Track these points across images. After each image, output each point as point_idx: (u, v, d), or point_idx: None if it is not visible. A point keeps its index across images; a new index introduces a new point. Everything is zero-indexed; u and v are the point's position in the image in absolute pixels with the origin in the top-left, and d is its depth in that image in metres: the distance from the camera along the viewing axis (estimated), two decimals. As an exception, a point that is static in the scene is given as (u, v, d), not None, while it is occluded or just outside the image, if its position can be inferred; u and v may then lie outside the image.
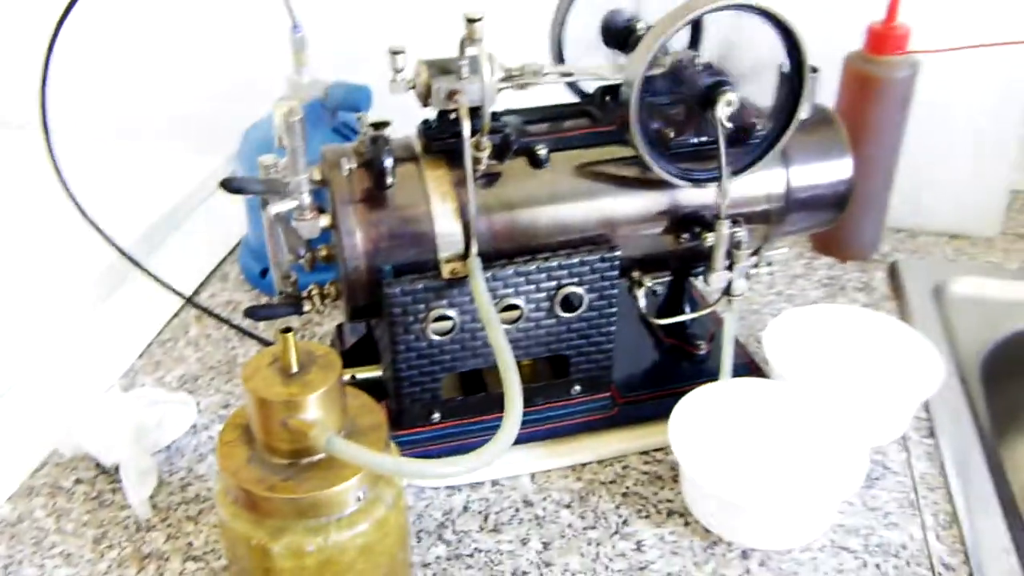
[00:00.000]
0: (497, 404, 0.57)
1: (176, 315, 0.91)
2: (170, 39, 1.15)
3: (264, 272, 0.95)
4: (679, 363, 0.80)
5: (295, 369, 0.53)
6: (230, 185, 0.63)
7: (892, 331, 0.79)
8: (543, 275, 0.67)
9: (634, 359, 0.79)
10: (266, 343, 0.85)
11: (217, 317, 0.88)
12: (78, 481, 0.73)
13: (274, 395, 0.51)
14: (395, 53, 0.64)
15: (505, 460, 0.71)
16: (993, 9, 0.93)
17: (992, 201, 1.02)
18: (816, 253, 1.00)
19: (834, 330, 0.80)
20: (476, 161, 0.64)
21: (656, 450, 0.74)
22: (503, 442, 0.52)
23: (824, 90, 0.89)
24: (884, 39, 0.88)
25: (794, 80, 0.66)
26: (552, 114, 0.73)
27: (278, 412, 0.51)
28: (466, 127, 0.62)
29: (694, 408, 0.70)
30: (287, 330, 0.52)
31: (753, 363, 0.80)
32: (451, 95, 0.63)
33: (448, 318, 0.66)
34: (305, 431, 0.51)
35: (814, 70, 0.72)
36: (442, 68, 0.64)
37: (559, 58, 0.78)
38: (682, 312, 0.79)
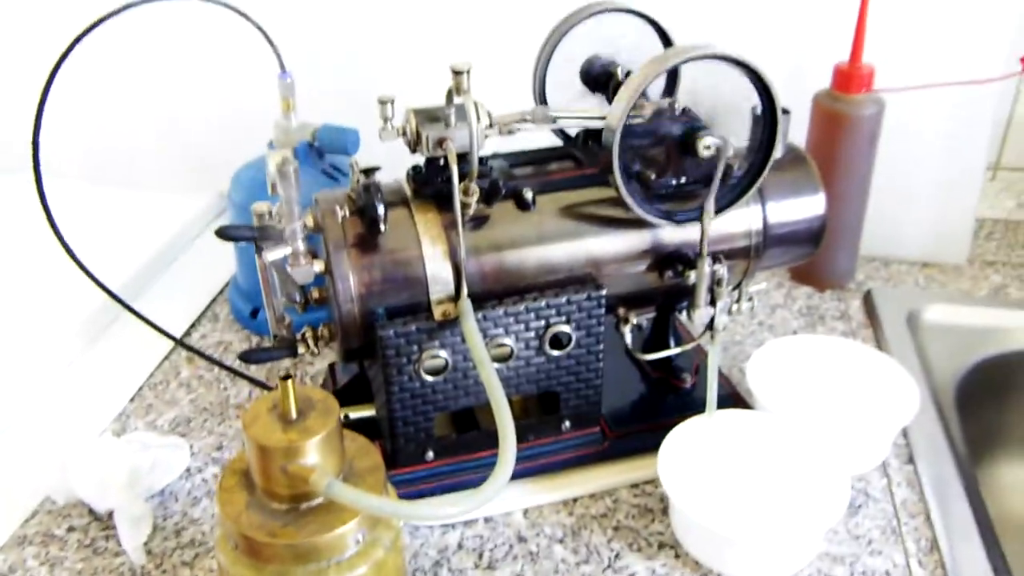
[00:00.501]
0: (490, 441, 0.58)
1: (167, 357, 0.92)
2: (159, 80, 1.16)
3: (254, 312, 0.96)
4: (666, 396, 0.82)
5: (294, 415, 0.54)
6: (226, 233, 0.64)
7: (869, 360, 0.81)
8: (532, 315, 0.69)
9: (622, 393, 0.81)
10: (258, 384, 0.86)
11: (208, 359, 0.89)
12: (71, 529, 0.73)
13: (274, 441, 0.52)
14: (384, 102, 0.65)
15: (497, 497, 0.72)
16: (953, 49, 0.96)
17: (959, 230, 1.05)
18: (795, 283, 1.02)
19: (814, 360, 0.82)
20: (465, 206, 0.66)
21: (646, 482, 0.76)
22: (500, 480, 0.54)
23: (794, 127, 0.92)
24: (850, 78, 0.91)
25: (767, 122, 0.68)
26: (537, 157, 0.75)
27: (278, 458, 0.53)
28: (455, 174, 0.64)
29: (681, 441, 0.72)
30: (286, 377, 0.53)
31: (737, 394, 0.82)
32: (440, 143, 0.65)
33: (440, 358, 0.68)
34: (305, 476, 0.52)
35: (785, 112, 0.74)
36: (430, 116, 0.66)
37: (543, 102, 0.80)
38: (667, 346, 0.81)
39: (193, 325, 0.98)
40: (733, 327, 0.95)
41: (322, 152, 0.91)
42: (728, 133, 0.71)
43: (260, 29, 0.85)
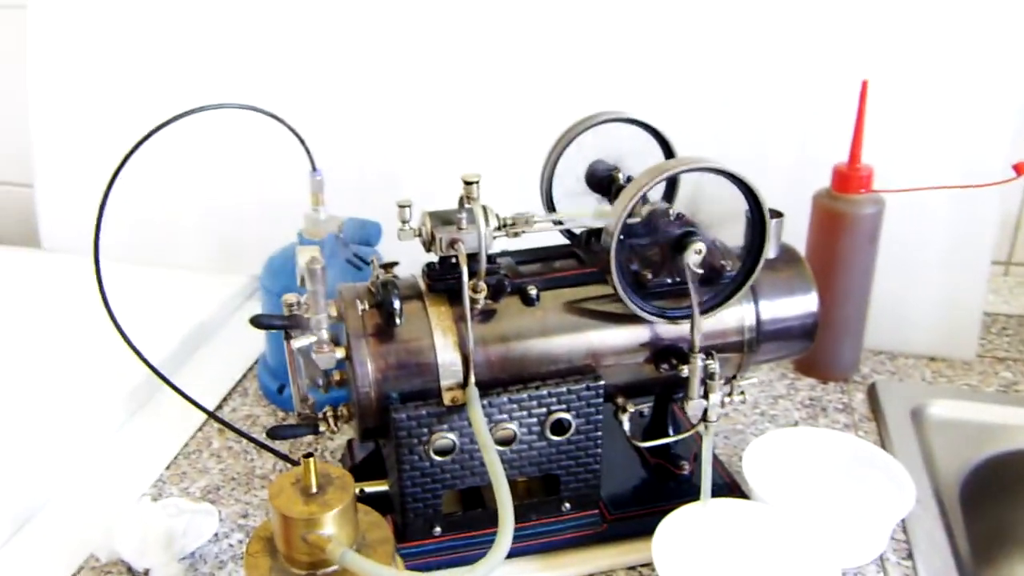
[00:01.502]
0: (495, 519, 0.64)
1: (200, 428, 1.01)
2: (203, 172, 1.28)
3: (281, 388, 1.04)
4: (664, 482, 0.88)
5: (315, 489, 0.62)
6: (260, 322, 0.73)
7: (867, 454, 0.86)
8: (534, 402, 0.76)
9: (622, 478, 0.87)
10: (281, 456, 0.94)
11: (237, 431, 0.97)
12: (110, 585, 0.81)
13: (296, 512, 0.60)
14: (403, 206, 0.74)
15: (499, 574, 0.78)
16: (952, 150, 1.03)
17: (967, 325, 1.10)
18: (798, 374, 1.08)
19: (811, 453, 0.87)
20: (474, 301, 0.74)
21: (643, 565, 0.81)
22: (497, 556, 0.61)
23: (796, 224, 0.99)
24: (849, 179, 0.98)
25: (756, 227, 0.75)
26: (543, 255, 0.83)
27: (299, 528, 0.60)
28: (464, 272, 0.72)
29: (676, 527, 0.77)
30: (309, 455, 0.61)
31: (734, 483, 0.88)
32: (452, 244, 0.74)
33: (449, 440, 0.75)
34: (323, 545, 0.60)
35: (777, 215, 0.82)
36: (444, 219, 0.75)
37: (549, 204, 0.88)
38: (666, 434, 0.87)
39: (225, 399, 1.06)
40: (735, 416, 1.01)
41: (347, 242, 1.01)
42: (725, 235, 0.79)
43: (295, 132, 0.95)
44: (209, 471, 0.95)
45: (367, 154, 1.20)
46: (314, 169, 0.98)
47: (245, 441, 0.98)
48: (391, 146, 1.19)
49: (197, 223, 1.30)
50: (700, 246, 0.74)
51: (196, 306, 1.19)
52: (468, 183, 0.72)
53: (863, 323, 1.06)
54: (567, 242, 0.88)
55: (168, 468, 0.95)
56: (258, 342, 1.10)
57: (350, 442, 0.94)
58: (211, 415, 0.98)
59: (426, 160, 1.16)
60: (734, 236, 0.79)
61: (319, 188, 0.98)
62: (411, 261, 0.81)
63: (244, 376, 1.11)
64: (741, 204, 0.76)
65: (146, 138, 0.84)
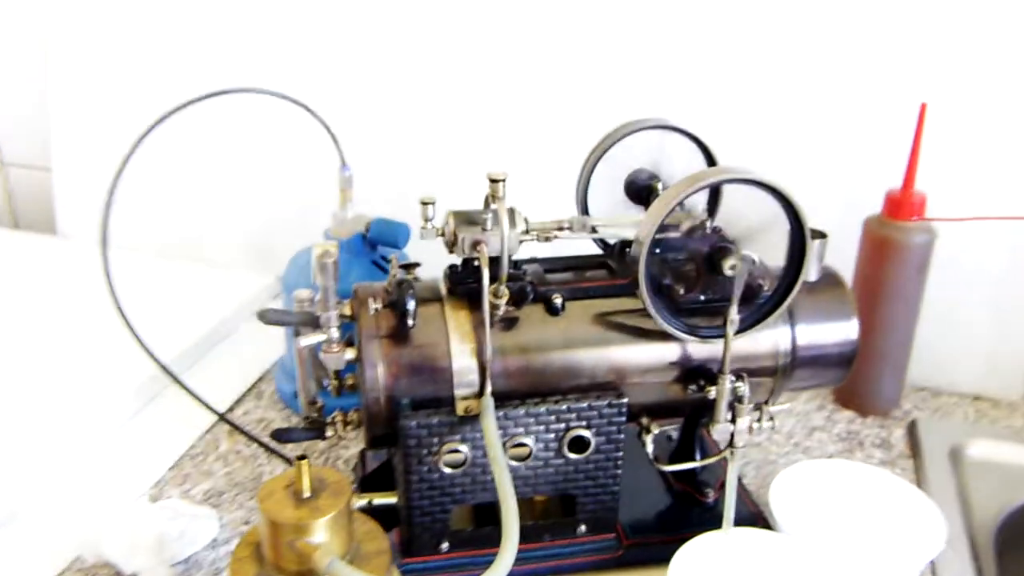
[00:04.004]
0: (507, 538, 0.62)
1: (209, 430, 0.98)
2: (232, 165, 1.26)
3: (297, 394, 1.01)
4: (688, 509, 0.84)
5: (307, 494, 0.59)
6: (267, 317, 0.71)
7: (899, 491, 0.82)
8: (553, 417, 0.73)
9: (643, 502, 0.84)
10: (292, 463, 0.91)
11: (247, 434, 0.95)
12: (96, 587, 0.79)
13: (285, 517, 0.57)
14: (425, 204, 0.72)
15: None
16: (1009, 181, 0.99)
17: (1015, 365, 1.06)
18: (837, 406, 1.04)
19: (841, 486, 0.84)
20: (494, 307, 0.71)
21: (660, 594, 0.78)
22: (498, 573, 0.57)
23: (847, 249, 0.96)
24: (901, 205, 0.95)
25: (796, 245, 0.72)
26: (573, 264, 0.80)
27: (287, 534, 0.57)
28: (485, 275, 0.69)
29: (695, 555, 0.74)
30: (302, 457, 0.58)
31: (760, 514, 0.84)
32: (475, 245, 0.71)
33: (460, 452, 0.72)
34: (310, 553, 0.57)
35: (822, 235, 0.79)
36: (468, 219, 0.72)
37: (584, 211, 0.85)
38: (693, 458, 0.84)
39: (238, 401, 1.04)
40: (768, 446, 0.97)
41: (375, 244, 0.98)
42: (763, 253, 0.76)
43: (324, 124, 0.93)
44: (214, 474, 0.92)
45: (401, 153, 1.17)
46: (344, 165, 0.96)
47: (255, 445, 0.96)
48: (425, 146, 1.16)
49: (226, 219, 1.28)
50: (734, 262, 0.71)
51: (217, 303, 1.17)
52: (494, 181, 0.69)
53: (907, 356, 1.02)
54: (600, 252, 0.85)
55: (171, 469, 0.93)
56: (278, 344, 1.07)
57: (363, 451, 0.92)
58: (220, 416, 0.96)
59: (461, 162, 1.14)
60: (771, 256, 0.75)
61: (348, 185, 0.96)
62: (440, 266, 0.78)
63: (261, 378, 1.08)
64: (781, 221, 0.73)
65: (161, 120, 0.83)
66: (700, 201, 0.84)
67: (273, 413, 1.02)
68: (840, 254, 0.84)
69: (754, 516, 0.83)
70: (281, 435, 0.78)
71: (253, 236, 1.27)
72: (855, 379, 1.00)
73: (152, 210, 1.30)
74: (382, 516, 0.74)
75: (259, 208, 1.26)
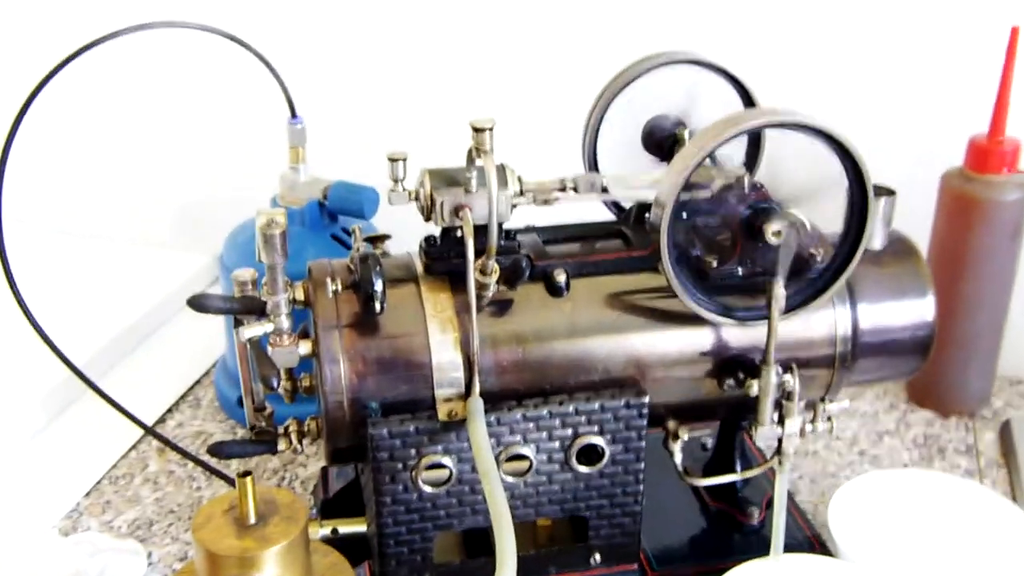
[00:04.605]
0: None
1: (134, 446, 0.99)
2: (148, 118, 1.27)
3: (242, 400, 1.02)
4: (728, 533, 0.85)
5: (253, 519, 0.59)
6: (199, 304, 0.71)
7: (989, 505, 0.84)
8: (557, 421, 0.73)
9: (673, 525, 0.85)
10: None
11: (182, 452, 0.96)
12: (0, 639, 0.80)
13: (225, 549, 0.58)
14: (394, 160, 0.72)
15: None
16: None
17: None
18: (912, 405, 1.05)
19: (917, 502, 0.85)
20: (482, 286, 0.71)
21: (693, 639, 0.79)
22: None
23: (921, 211, 0.96)
24: (988, 155, 0.95)
25: (857, 205, 0.72)
26: (579, 233, 0.81)
27: (228, 568, 0.58)
28: (470, 248, 0.70)
29: (735, 590, 0.75)
30: (246, 474, 0.59)
31: (817, 538, 0.85)
32: (456, 211, 0.71)
33: (443, 467, 0.73)
34: (256, 593, 0.57)
35: (890, 192, 0.79)
36: (448, 179, 0.72)
37: (593, 168, 0.85)
38: (733, 471, 0.84)
39: (170, 411, 1.05)
40: (825, 455, 0.98)
41: (335, 214, 0.99)
42: (816, 217, 0.76)
43: (268, 64, 0.93)
44: (141, 501, 0.93)
45: (364, 99, 1.18)
46: (294, 116, 0.96)
47: (191, 465, 0.97)
48: (395, 90, 1.17)
49: (150, 188, 1.29)
50: (779, 226, 0.71)
51: (142, 291, 1.18)
52: (478, 130, 0.69)
53: (998, 342, 1.03)
54: (613, 218, 0.86)
55: (87, 496, 0.94)
56: (218, 341, 1.08)
57: (324, 470, 0.92)
58: (148, 430, 0.96)
59: (440, 110, 1.14)
60: (829, 219, 0.76)
61: (299, 140, 0.96)
62: (417, 240, 0.78)
63: (197, 383, 1.10)
64: (839, 178, 0.73)
65: (62, 65, 0.83)
66: (737, 155, 0.84)
67: (213, 426, 1.03)
68: (912, 217, 0.85)
69: (809, 540, 0.84)
70: (221, 449, 0.78)
71: (184, 208, 1.27)
72: (933, 371, 1.01)
73: (57, 178, 1.30)
74: (349, 547, 0.75)
75: (190, 174, 1.26)
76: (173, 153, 1.27)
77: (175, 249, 1.27)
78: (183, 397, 1.07)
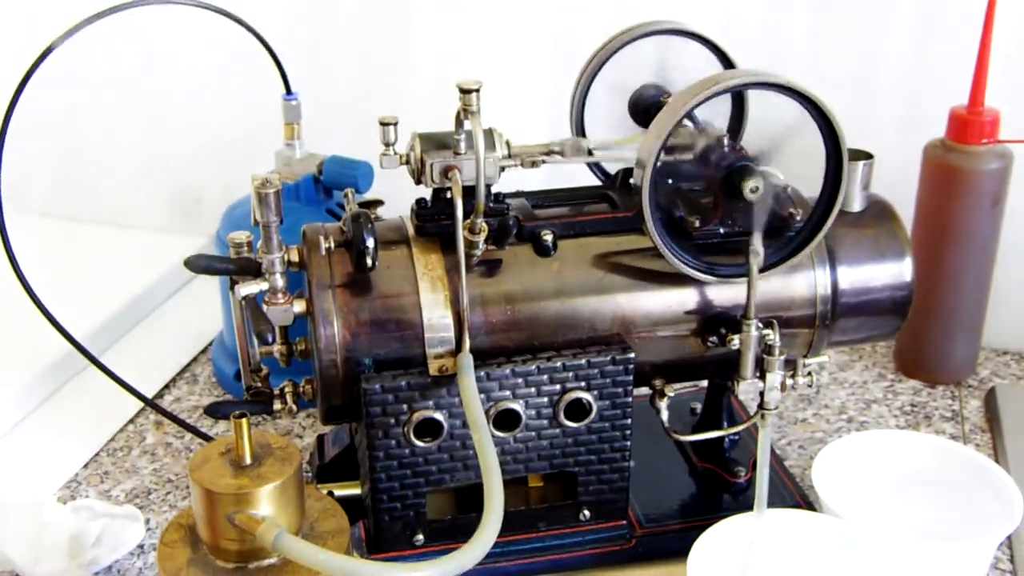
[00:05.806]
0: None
1: (132, 419, 1.02)
2: (146, 98, 1.29)
3: (239, 375, 1.05)
4: (715, 492, 0.88)
5: (248, 461, 0.62)
6: (196, 264, 0.74)
7: (968, 463, 0.85)
8: (545, 377, 0.76)
9: (661, 484, 0.88)
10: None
11: (180, 423, 0.98)
12: (-4, 597, 0.82)
13: (222, 487, 0.61)
14: (386, 124, 0.75)
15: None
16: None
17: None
18: (899, 375, 1.08)
19: (899, 460, 0.87)
20: (471, 246, 0.75)
21: (680, 592, 0.82)
22: (477, 550, 0.61)
23: (902, 181, 0.99)
24: (968, 125, 0.98)
25: (831, 166, 0.75)
26: (566, 197, 0.84)
27: (225, 506, 0.61)
28: (459, 208, 0.73)
29: (721, 543, 0.77)
30: (241, 415, 0.62)
31: (802, 498, 0.87)
32: (445, 172, 0.75)
33: (435, 421, 0.76)
34: (252, 528, 0.60)
35: (867, 156, 0.82)
36: (438, 143, 0.76)
37: (580, 134, 0.89)
38: (718, 428, 0.87)
39: (167, 385, 1.08)
40: (814, 423, 1.01)
41: (330, 188, 1.02)
42: (796, 178, 0.79)
43: (262, 40, 0.96)
44: (139, 471, 0.96)
45: (358, 73, 1.20)
46: (288, 92, 0.99)
47: (189, 437, 1.00)
48: (388, 63, 1.19)
49: (141, 167, 1.32)
50: (756, 183, 0.74)
51: (140, 271, 1.21)
52: (466, 92, 0.73)
53: (982, 312, 1.05)
54: (600, 183, 0.89)
55: (86, 467, 0.97)
56: (215, 318, 1.11)
57: (320, 438, 0.95)
58: (147, 402, 0.99)
59: (433, 81, 1.17)
60: (808, 181, 0.79)
61: (294, 116, 0.99)
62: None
63: (195, 359, 1.13)
64: (819, 140, 0.76)
65: (61, 40, 0.85)
66: (721, 117, 0.87)
67: (209, 399, 1.06)
68: (897, 187, 0.88)
69: (796, 500, 0.87)
70: (217, 410, 0.81)
71: (179, 188, 1.30)
72: (920, 341, 1.04)
73: (52, 162, 1.33)
74: (345, 511, 0.78)
75: (184, 154, 1.29)
76: (169, 135, 1.30)
77: (170, 231, 1.30)
78: (180, 374, 1.10)
